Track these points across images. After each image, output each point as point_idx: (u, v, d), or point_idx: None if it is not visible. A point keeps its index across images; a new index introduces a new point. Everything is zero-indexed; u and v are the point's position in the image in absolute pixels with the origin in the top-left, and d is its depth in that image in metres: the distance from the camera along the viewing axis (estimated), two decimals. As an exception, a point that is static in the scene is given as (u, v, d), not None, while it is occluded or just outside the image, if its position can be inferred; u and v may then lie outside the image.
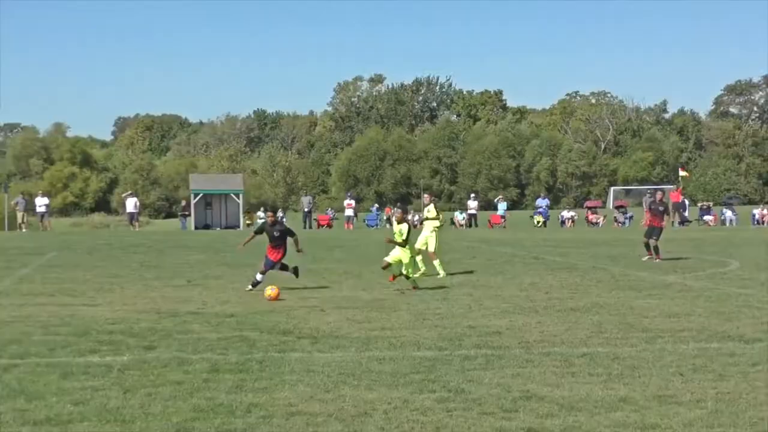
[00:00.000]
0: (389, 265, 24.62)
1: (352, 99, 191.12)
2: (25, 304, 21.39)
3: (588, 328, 17.75)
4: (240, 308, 20.79)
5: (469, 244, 43.69)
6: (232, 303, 21.80)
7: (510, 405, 11.51)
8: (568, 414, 11.09)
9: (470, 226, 72.13)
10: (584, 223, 74.45)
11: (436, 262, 28.60)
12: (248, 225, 74.68)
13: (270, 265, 24.59)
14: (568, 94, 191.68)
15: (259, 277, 24.28)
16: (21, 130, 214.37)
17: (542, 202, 76.30)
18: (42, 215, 67.85)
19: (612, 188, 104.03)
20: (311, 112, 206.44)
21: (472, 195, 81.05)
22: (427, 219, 29.87)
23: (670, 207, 47.68)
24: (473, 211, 74.26)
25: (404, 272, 24.52)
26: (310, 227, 71.97)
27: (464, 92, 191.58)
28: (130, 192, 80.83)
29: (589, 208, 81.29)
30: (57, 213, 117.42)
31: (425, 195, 31.81)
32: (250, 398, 11.84)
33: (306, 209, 73.33)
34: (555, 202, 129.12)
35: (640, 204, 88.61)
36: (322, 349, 15.53)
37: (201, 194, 77.27)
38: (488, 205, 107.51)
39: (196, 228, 72.29)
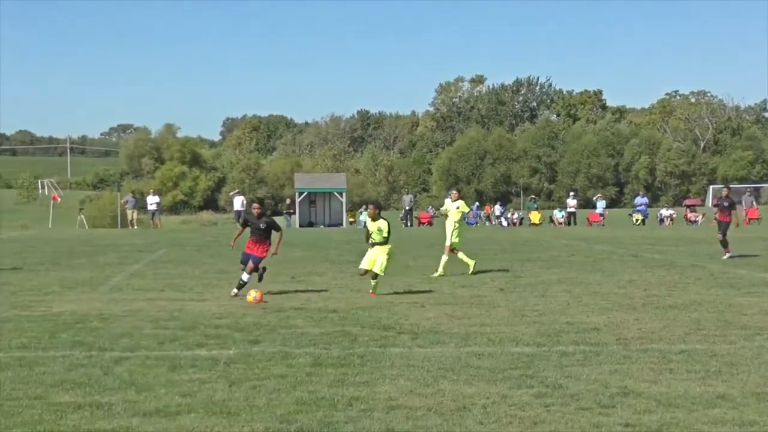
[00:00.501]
0: (367, 272, 22.51)
1: (454, 99, 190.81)
2: (136, 299, 21.74)
3: (686, 325, 17.52)
4: (342, 304, 20.87)
5: (568, 242, 43.38)
6: (334, 299, 21.90)
7: (607, 401, 11.40)
8: (666, 410, 10.94)
9: (569, 224, 71.62)
10: (683, 222, 73.43)
11: (445, 259, 28.04)
12: (351, 223, 74.99)
13: (256, 262, 22.74)
14: (667, 94, 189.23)
15: (245, 277, 22.59)
16: (133, 131, 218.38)
17: (641, 200, 75.39)
18: (153, 213, 68.80)
19: (711, 187, 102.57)
20: (413, 113, 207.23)
21: (572, 193, 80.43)
22: (451, 212, 28.85)
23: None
24: (573, 210, 73.74)
25: (378, 272, 22.91)
26: (411, 225, 71.97)
27: (564, 92, 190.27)
28: (237, 190, 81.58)
29: (688, 206, 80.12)
30: (167, 211, 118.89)
31: (453, 191, 30.22)
32: (351, 392, 11.87)
33: (407, 207, 73.43)
34: (654, 201, 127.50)
35: (739, 202, 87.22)
36: (422, 344, 15.53)
37: (305, 193, 77.86)
38: (587, 204, 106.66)
39: (300, 226, 72.79)
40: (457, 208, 28.99)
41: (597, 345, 15.36)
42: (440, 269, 27.67)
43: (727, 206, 34.11)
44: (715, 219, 34.63)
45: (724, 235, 33.42)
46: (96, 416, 10.70)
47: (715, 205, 35.78)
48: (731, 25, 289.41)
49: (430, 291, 23.40)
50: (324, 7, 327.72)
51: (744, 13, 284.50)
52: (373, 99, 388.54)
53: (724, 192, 35.90)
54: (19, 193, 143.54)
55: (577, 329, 17.06)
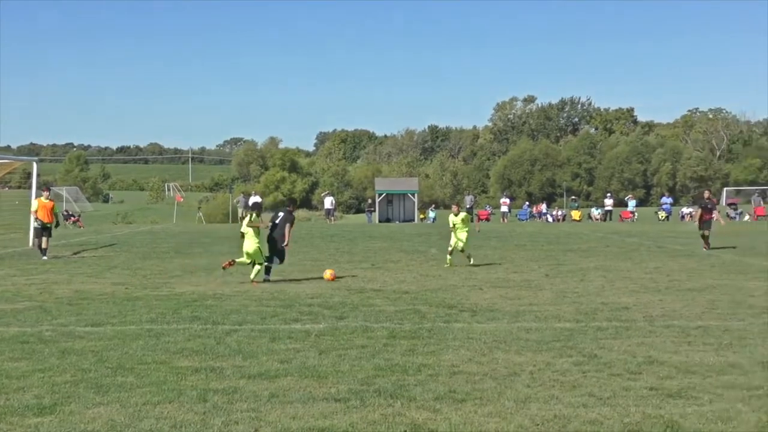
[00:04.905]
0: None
1: (509, 116, 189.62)
2: (243, 282, 21.85)
3: (703, 305, 17.30)
4: (414, 286, 20.86)
5: (603, 235, 42.97)
6: (407, 282, 21.89)
7: (635, 368, 11.30)
8: (685, 376, 10.83)
9: (605, 220, 71.00)
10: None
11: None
12: (421, 219, 74.91)
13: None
14: (689, 110, 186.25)
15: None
16: (243, 143, 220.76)
17: (666, 200, 74.38)
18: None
19: (725, 189, 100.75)
20: (474, 127, 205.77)
21: (608, 194, 79.50)
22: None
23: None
24: (609, 208, 73.28)
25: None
26: (472, 221, 71.63)
27: (601, 109, 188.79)
28: (327, 192, 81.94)
29: (729, 204, 78.67)
30: (269, 209, 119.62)
31: (454, 206, 27.80)
32: (420, 360, 11.87)
33: (468, 206, 73.12)
34: (676, 201, 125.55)
35: (748, 202, 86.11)
36: (480, 320, 15.49)
37: (384, 194, 77.87)
38: (620, 203, 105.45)
39: (379, 221, 72.75)
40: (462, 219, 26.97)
41: (627, 321, 15.22)
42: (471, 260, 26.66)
43: (709, 207, 33.52)
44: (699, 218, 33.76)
45: (708, 230, 32.80)
46: (210, 378, 10.82)
47: (700, 206, 34.66)
48: (745, 54, 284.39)
49: (486, 276, 23.31)
50: (408, 31, 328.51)
51: (758, 46, 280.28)
52: (442, 115, 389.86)
53: (706, 194, 35.58)
54: (150, 194, 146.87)
55: (610, 308, 16.91)
